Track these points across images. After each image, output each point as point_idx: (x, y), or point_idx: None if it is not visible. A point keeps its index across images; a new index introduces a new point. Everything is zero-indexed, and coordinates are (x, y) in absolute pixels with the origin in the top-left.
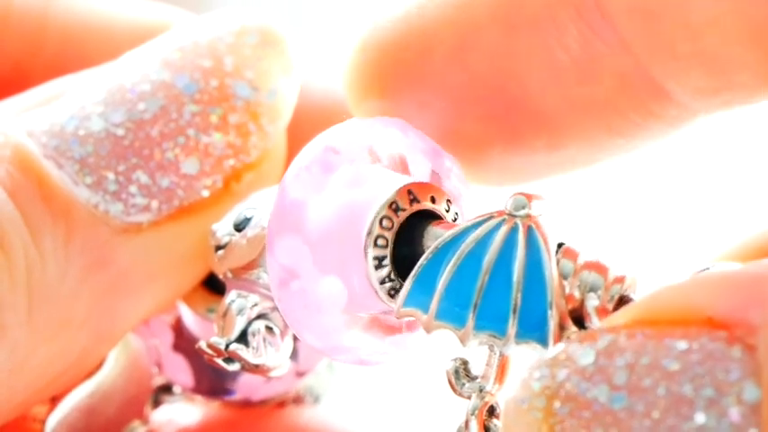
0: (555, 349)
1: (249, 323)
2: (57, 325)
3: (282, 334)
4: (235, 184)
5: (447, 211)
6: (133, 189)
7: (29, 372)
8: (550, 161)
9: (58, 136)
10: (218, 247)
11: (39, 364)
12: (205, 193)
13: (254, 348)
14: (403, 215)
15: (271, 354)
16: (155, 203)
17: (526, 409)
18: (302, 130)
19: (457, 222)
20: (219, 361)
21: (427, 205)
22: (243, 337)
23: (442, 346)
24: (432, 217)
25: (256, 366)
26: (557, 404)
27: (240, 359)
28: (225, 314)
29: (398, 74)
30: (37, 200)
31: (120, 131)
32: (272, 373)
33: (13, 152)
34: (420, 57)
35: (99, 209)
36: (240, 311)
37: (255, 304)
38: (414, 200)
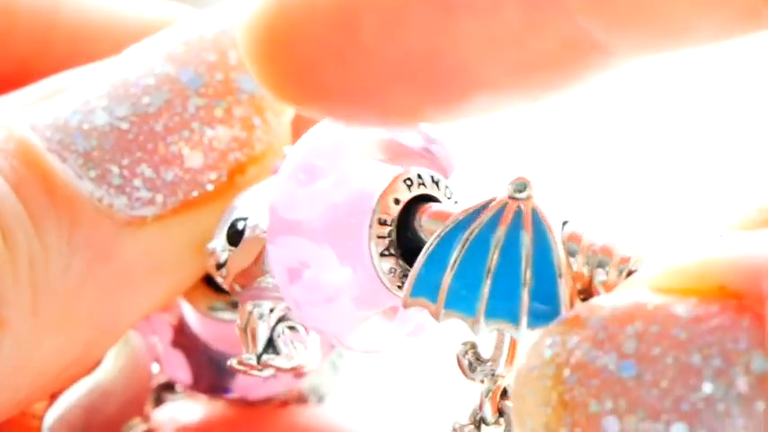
0: (566, 315)
1: (272, 329)
2: (60, 319)
3: (306, 329)
4: (239, 178)
5: (439, 191)
6: (137, 183)
7: (33, 366)
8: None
9: (61, 129)
10: (219, 266)
11: (42, 359)
12: (209, 187)
13: (285, 354)
14: (400, 204)
15: (301, 352)
16: (159, 197)
17: (536, 376)
18: (307, 124)
19: (451, 200)
20: (254, 372)
21: (424, 190)
22: (271, 345)
23: (445, 339)
24: (428, 200)
25: (291, 369)
26: (566, 372)
27: (275, 368)
28: (246, 327)
29: (314, 56)
30: (41, 193)
31: (125, 125)
32: (307, 369)
33: (17, 146)
34: (342, 35)
35: (103, 203)
36: (260, 320)
37: (272, 309)
38: (410, 186)
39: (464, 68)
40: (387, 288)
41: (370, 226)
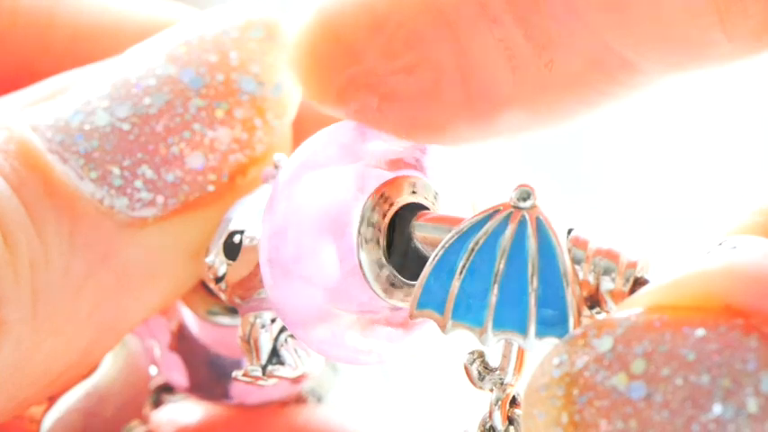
0: (573, 334)
1: (275, 339)
2: (61, 320)
3: None
4: (240, 179)
5: (428, 199)
6: (138, 184)
7: (32, 368)
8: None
9: (63, 130)
10: (218, 279)
11: (42, 360)
12: (210, 188)
13: (290, 364)
14: (384, 222)
15: (305, 360)
16: (160, 198)
17: (546, 396)
18: (307, 124)
19: (438, 200)
20: (260, 383)
21: (408, 199)
22: (275, 355)
23: (441, 344)
24: (415, 208)
25: (297, 377)
26: (576, 392)
27: (281, 378)
28: (248, 339)
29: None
30: (41, 195)
31: (126, 126)
32: (311, 375)
33: (18, 147)
34: (376, 51)
35: (104, 204)
36: (262, 330)
37: (274, 319)
38: (388, 199)
39: (493, 85)
40: (378, 296)
41: (359, 230)
